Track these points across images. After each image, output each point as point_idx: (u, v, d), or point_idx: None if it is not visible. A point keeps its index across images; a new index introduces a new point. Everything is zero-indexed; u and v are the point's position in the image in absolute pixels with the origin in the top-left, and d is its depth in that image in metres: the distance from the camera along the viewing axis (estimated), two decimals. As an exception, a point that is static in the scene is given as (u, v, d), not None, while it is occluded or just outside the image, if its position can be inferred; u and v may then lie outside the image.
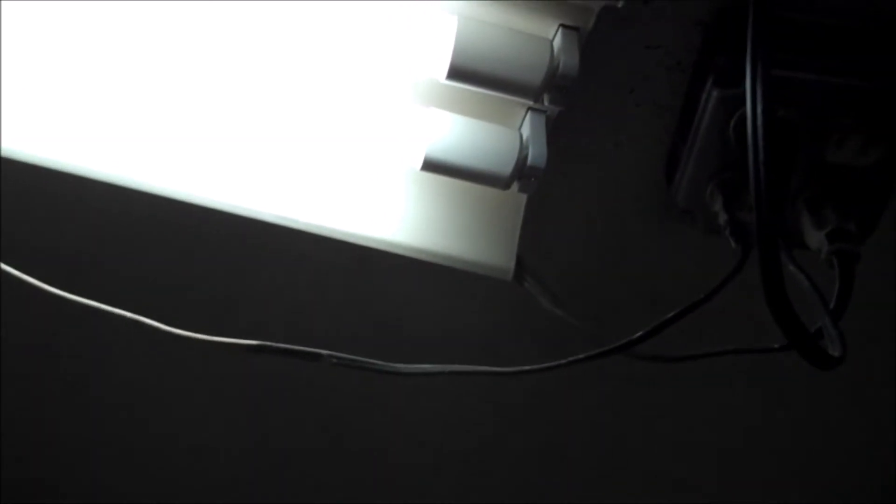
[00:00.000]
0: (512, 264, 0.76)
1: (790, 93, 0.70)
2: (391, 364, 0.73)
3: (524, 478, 0.91)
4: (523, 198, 0.76)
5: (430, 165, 0.70)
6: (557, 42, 0.67)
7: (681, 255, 0.82)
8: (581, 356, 0.78)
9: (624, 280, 0.83)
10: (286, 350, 0.71)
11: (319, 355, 0.71)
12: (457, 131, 0.70)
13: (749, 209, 0.70)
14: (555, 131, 0.72)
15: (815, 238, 0.75)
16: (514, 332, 0.83)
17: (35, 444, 0.84)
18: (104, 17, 0.67)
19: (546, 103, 0.70)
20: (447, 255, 0.75)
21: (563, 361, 0.78)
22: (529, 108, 0.71)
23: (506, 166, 0.70)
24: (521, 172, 0.71)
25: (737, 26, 0.68)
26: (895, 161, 0.74)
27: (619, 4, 0.64)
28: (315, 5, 0.65)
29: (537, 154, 0.70)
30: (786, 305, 0.65)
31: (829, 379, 0.67)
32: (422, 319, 0.82)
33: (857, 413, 0.89)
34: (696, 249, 0.81)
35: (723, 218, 0.75)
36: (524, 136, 0.71)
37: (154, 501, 0.88)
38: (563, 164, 0.77)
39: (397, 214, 0.74)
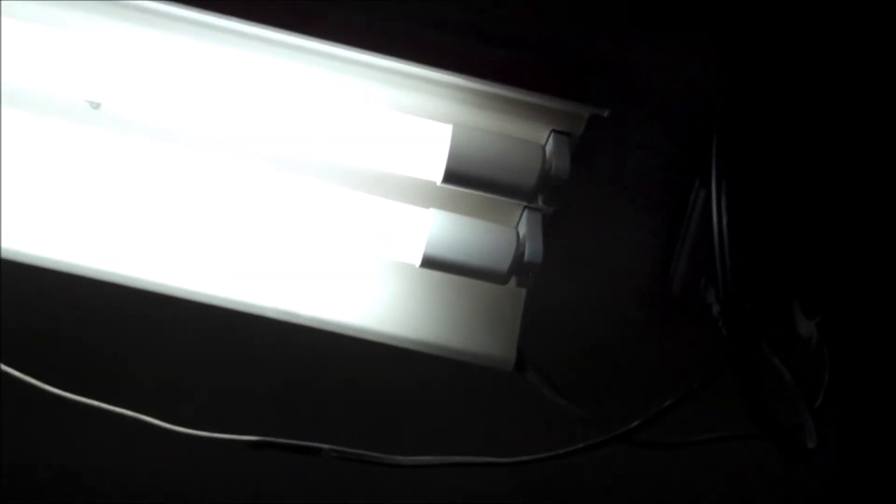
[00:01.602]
0: (513, 355, 0.77)
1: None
2: (391, 456, 0.74)
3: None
4: (523, 291, 0.77)
5: (430, 262, 0.72)
6: (549, 146, 0.70)
7: (677, 343, 0.83)
8: (581, 445, 0.79)
9: (623, 368, 0.84)
10: (287, 445, 0.72)
11: (320, 450, 0.72)
12: (455, 229, 0.72)
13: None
14: (552, 227, 0.74)
15: (806, 327, 0.77)
16: (515, 421, 0.84)
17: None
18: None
19: (541, 203, 0.72)
20: (449, 348, 0.77)
21: (562, 451, 0.79)
22: (526, 207, 0.74)
23: (503, 262, 0.72)
24: (519, 268, 0.73)
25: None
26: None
27: (605, 114, 0.67)
28: (317, 112, 0.69)
29: (534, 250, 0.72)
30: (757, 405, 0.67)
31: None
32: (424, 410, 0.83)
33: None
34: (693, 338, 0.82)
35: (716, 309, 0.77)
36: (521, 234, 0.73)
37: None
38: (561, 258, 0.79)
39: (400, 309, 0.76)
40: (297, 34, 0.66)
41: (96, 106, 0.70)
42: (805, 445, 0.70)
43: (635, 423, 0.79)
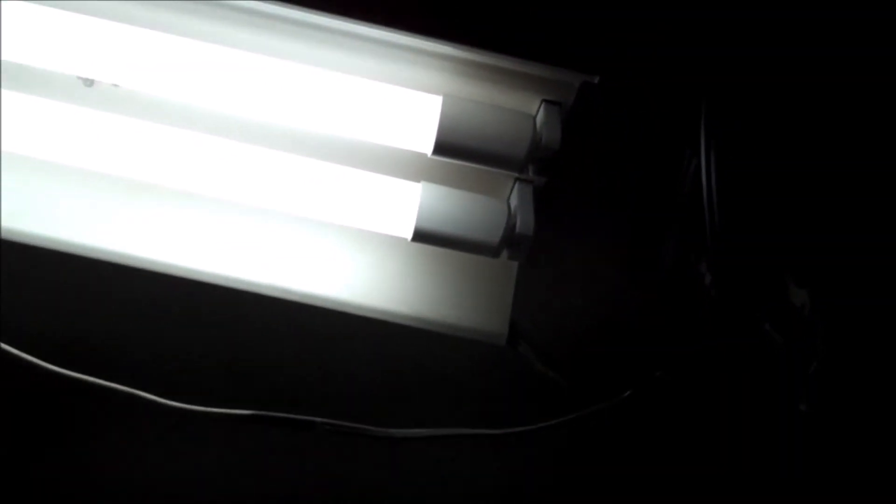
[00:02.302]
0: (505, 329, 0.77)
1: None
2: (384, 429, 0.74)
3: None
4: (515, 264, 0.77)
5: (421, 236, 0.72)
6: (540, 116, 0.69)
7: (670, 315, 0.83)
8: (571, 416, 0.80)
9: (614, 340, 0.84)
10: (280, 419, 0.72)
11: (313, 423, 0.72)
12: (446, 203, 0.72)
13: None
14: (544, 200, 0.74)
15: (799, 296, 0.77)
16: (508, 394, 0.84)
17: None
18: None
19: (531, 174, 0.72)
20: (442, 323, 0.77)
21: (553, 422, 0.79)
22: (517, 179, 0.73)
23: (494, 235, 0.72)
24: (510, 241, 0.73)
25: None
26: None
27: (596, 81, 0.66)
28: (307, 85, 0.68)
29: (525, 222, 0.72)
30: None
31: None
32: (417, 384, 0.83)
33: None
34: (685, 310, 0.82)
35: (708, 279, 0.77)
36: (512, 206, 0.73)
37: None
38: (553, 231, 0.79)
39: (392, 284, 0.75)
40: (283, 4, 0.66)
41: (89, 83, 0.70)
42: (798, 408, 0.71)
43: (627, 394, 0.80)
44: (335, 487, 0.80)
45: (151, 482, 0.81)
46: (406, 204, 0.72)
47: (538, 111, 0.70)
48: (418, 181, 0.72)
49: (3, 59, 0.67)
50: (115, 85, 0.69)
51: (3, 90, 0.68)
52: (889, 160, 0.78)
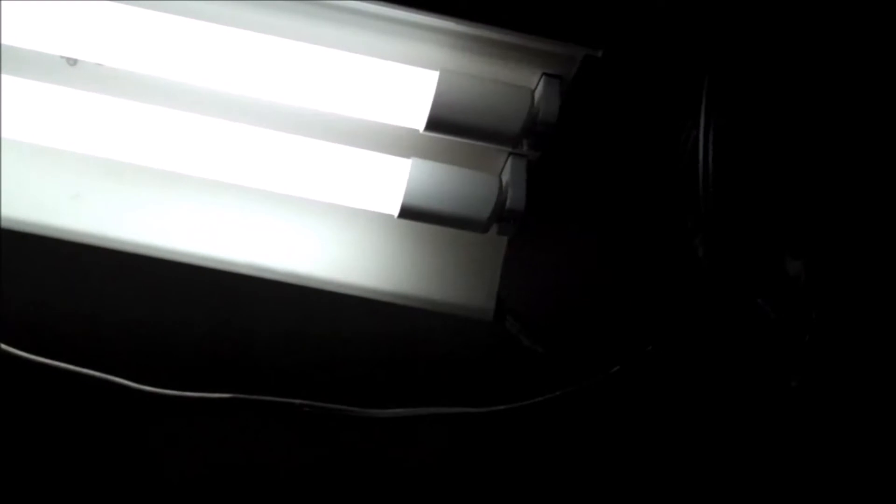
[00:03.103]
0: (492, 305, 0.75)
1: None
2: (366, 410, 0.72)
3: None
4: (504, 240, 0.75)
5: (408, 212, 0.69)
6: (539, 90, 0.66)
7: (661, 290, 0.81)
8: (558, 392, 0.79)
9: (604, 316, 0.82)
10: (261, 402, 0.70)
11: (293, 404, 0.70)
12: (434, 178, 0.68)
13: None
14: (537, 174, 0.71)
15: (794, 267, 0.76)
16: (494, 370, 0.83)
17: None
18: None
19: (525, 148, 0.69)
20: (427, 300, 0.74)
21: (540, 399, 0.78)
22: (510, 154, 0.70)
23: (483, 211, 0.69)
24: (501, 216, 0.70)
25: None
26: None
27: (599, 54, 0.63)
28: (297, 57, 0.64)
29: (516, 197, 0.69)
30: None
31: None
32: (402, 362, 0.81)
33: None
34: (677, 285, 0.80)
35: (701, 251, 0.75)
36: (504, 181, 0.70)
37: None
38: (544, 205, 0.76)
39: (378, 261, 0.73)
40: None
41: (73, 63, 0.66)
42: (788, 384, 0.71)
43: (615, 369, 0.79)
44: (317, 469, 0.78)
45: (131, 468, 0.79)
46: (394, 180, 0.68)
47: (538, 85, 0.66)
48: (409, 157, 0.69)
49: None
50: (99, 64, 0.65)
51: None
52: (888, 136, 0.76)
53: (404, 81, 0.65)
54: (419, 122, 0.65)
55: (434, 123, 0.65)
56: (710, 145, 0.70)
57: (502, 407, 0.77)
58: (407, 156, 0.68)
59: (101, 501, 0.76)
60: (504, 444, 0.83)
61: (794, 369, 0.76)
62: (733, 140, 0.71)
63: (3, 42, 0.62)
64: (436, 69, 0.64)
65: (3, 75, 0.64)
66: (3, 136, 0.64)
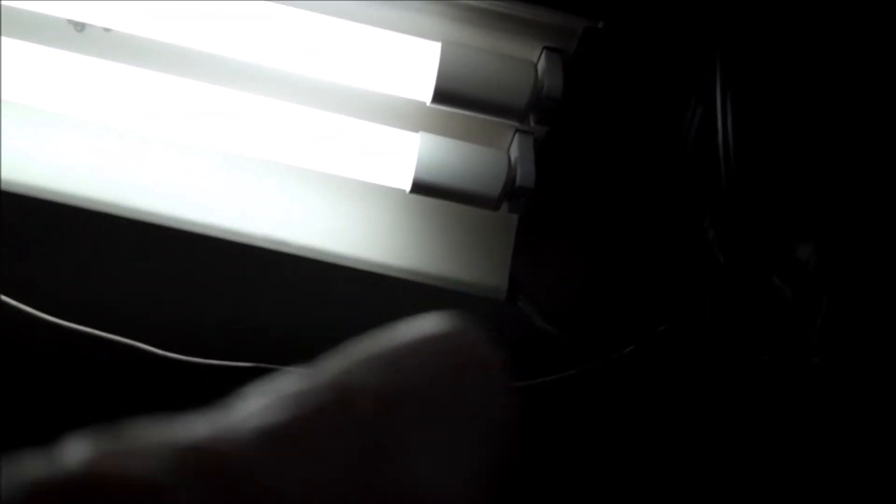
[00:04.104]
0: (505, 284, 0.77)
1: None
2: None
3: (523, 496, 0.91)
4: (514, 219, 0.76)
5: (420, 187, 0.71)
6: (541, 64, 0.68)
7: (672, 271, 0.82)
8: (571, 371, 0.79)
9: (616, 296, 0.83)
10: (281, 371, 0.71)
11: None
12: (445, 154, 0.71)
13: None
14: (544, 151, 0.73)
15: (805, 250, 0.76)
16: (507, 350, 0.84)
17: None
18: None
19: (532, 124, 0.71)
20: (439, 276, 0.76)
21: (554, 377, 0.79)
22: (517, 130, 0.72)
23: (494, 187, 0.71)
24: (511, 193, 0.71)
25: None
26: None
27: (600, 25, 0.65)
28: (300, 31, 0.67)
29: (525, 174, 0.71)
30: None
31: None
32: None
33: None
34: (688, 266, 0.81)
35: (711, 234, 0.76)
36: (513, 158, 0.72)
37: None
38: (553, 183, 0.77)
39: (389, 237, 0.75)
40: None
41: (80, 28, 0.68)
42: (810, 361, 0.71)
43: (629, 349, 0.80)
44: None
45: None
46: (404, 154, 0.70)
47: (539, 59, 0.69)
48: (416, 131, 0.71)
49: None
50: (107, 29, 0.68)
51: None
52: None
53: (408, 52, 0.67)
54: (425, 95, 0.68)
55: (441, 95, 0.67)
56: (728, 123, 0.70)
57: (516, 385, 0.78)
58: (413, 130, 0.71)
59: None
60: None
61: (814, 347, 0.75)
62: (743, 118, 0.72)
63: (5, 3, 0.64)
64: (435, 40, 0.67)
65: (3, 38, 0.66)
66: (3, 99, 0.67)
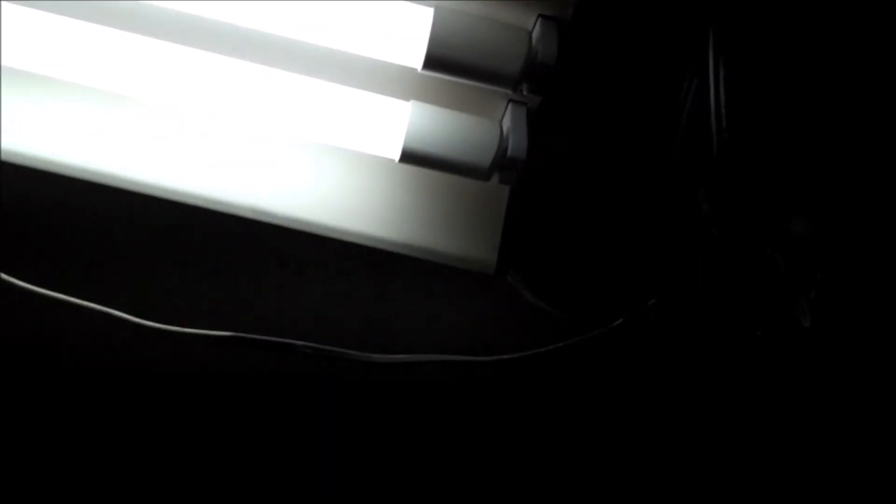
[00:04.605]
0: (494, 257, 0.76)
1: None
2: (367, 354, 0.73)
3: (514, 468, 0.91)
4: (506, 190, 0.75)
5: (409, 157, 0.69)
6: (536, 32, 0.66)
7: (666, 245, 0.81)
8: (560, 344, 0.78)
9: (608, 271, 0.82)
10: (259, 341, 0.70)
11: (293, 346, 0.71)
12: (435, 122, 0.69)
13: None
14: (537, 122, 0.71)
15: (800, 224, 0.76)
16: (498, 325, 0.83)
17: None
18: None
19: (525, 93, 0.69)
20: (429, 249, 0.75)
21: (543, 349, 0.78)
22: (510, 101, 0.71)
23: (485, 157, 0.70)
24: (502, 164, 0.70)
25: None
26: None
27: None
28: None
29: (518, 145, 0.69)
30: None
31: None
32: (405, 313, 0.81)
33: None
34: (682, 240, 0.80)
35: (706, 208, 0.75)
36: (505, 128, 0.70)
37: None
38: (546, 155, 0.76)
39: (378, 208, 0.73)
40: None
41: None
42: (801, 325, 0.70)
43: (618, 322, 0.79)
44: (316, 412, 0.79)
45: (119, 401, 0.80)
46: (394, 123, 0.69)
47: (534, 27, 0.67)
48: (407, 100, 0.69)
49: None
50: None
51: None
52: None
53: (399, 16, 0.65)
54: (416, 61, 0.66)
55: (432, 61, 0.65)
56: (721, 97, 0.69)
57: (505, 357, 0.77)
58: (405, 98, 0.69)
59: (103, 429, 0.77)
60: (504, 394, 0.83)
61: (805, 310, 0.75)
62: (739, 91, 0.71)
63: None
64: (428, 5, 0.65)
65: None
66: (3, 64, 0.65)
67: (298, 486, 0.83)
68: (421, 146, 0.69)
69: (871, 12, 0.72)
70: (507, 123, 0.70)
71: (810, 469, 0.87)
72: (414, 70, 0.67)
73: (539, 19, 0.66)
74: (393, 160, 0.70)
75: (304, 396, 0.78)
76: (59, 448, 0.78)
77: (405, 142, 0.69)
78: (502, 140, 0.70)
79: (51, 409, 0.79)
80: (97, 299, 0.67)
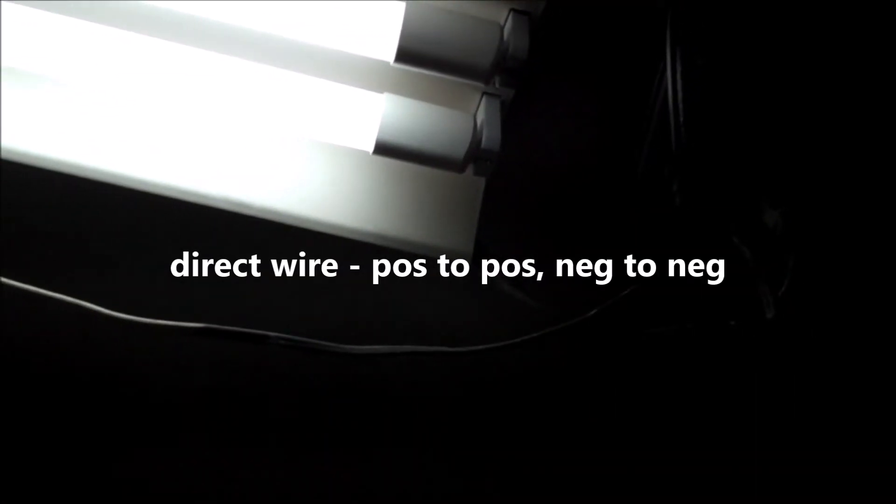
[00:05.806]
0: (471, 247, 0.76)
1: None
2: (341, 345, 0.73)
3: (492, 458, 0.92)
4: (482, 181, 0.75)
5: (383, 149, 0.70)
6: (508, 26, 0.67)
7: (639, 235, 0.82)
8: (535, 334, 0.79)
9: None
10: (232, 333, 0.70)
11: (266, 337, 0.71)
12: (409, 115, 0.69)
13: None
14: (512, 114, 0.71)
15: (771, 216, 0.76)
16: (474, 315, 0.83)
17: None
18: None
19: (497, 86, 0.69)
20: (404, 240, 0.75)
21: (518, 340, 0.78)
22: (484, 93, 0.71)
23: (459, 149, 0.70)
24: (476, 155, 0.70)
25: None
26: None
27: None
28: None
29: (491, 137, 0.70)
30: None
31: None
32: (381, 304, 0.81)
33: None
34: (656, 230, 0.81)
35: (679, 199, 0.75)
36: (479, 120, 0.70)
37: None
38: (521, 146, 0.76)
39: (353, 199, 0.73)
40: None
41: None
42: (763, 316, 0.71)
43: (592, 312, 0.79)
44: (289, 402, 0.80)
45: (97, 393, 0.80)
46: (368, 115, 0.69)
47: (506, 20, 0.67)
48: (381, 93, 0.69)
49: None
50: None
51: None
52: (867, 78, 0.76)
53: (371, 10, 0.65)
54: (388, 54, 0.66)
55: (404, 54, 0.65)
56: (678, 83, 0.69)
57: (480, 347, 0.77)
58: (379, 91, 0.69)
59: (82, 419, 0.77)
60: (481, 385, 0.84)
61: (770, 302, 0.75)
62: (708, 81, 0.71)
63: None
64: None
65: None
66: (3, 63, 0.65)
67: (273, 476, 0.84)
68: (395, 138, 0.69)
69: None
70: (481, 116, 0.71)
71: (778, 453, 0.88)
72: (387, 63, 0.67)
73: (511, 13, 0.67)
74: (367, 152, 0.70)
75: (278, 388, 0.78)
76: (37, 439, 0.79)
77: (379, 134, 0.69)
78: (476, 132, 0.70)
79: (25, 401, 0.79)
80: (69, 291, 0.67)
